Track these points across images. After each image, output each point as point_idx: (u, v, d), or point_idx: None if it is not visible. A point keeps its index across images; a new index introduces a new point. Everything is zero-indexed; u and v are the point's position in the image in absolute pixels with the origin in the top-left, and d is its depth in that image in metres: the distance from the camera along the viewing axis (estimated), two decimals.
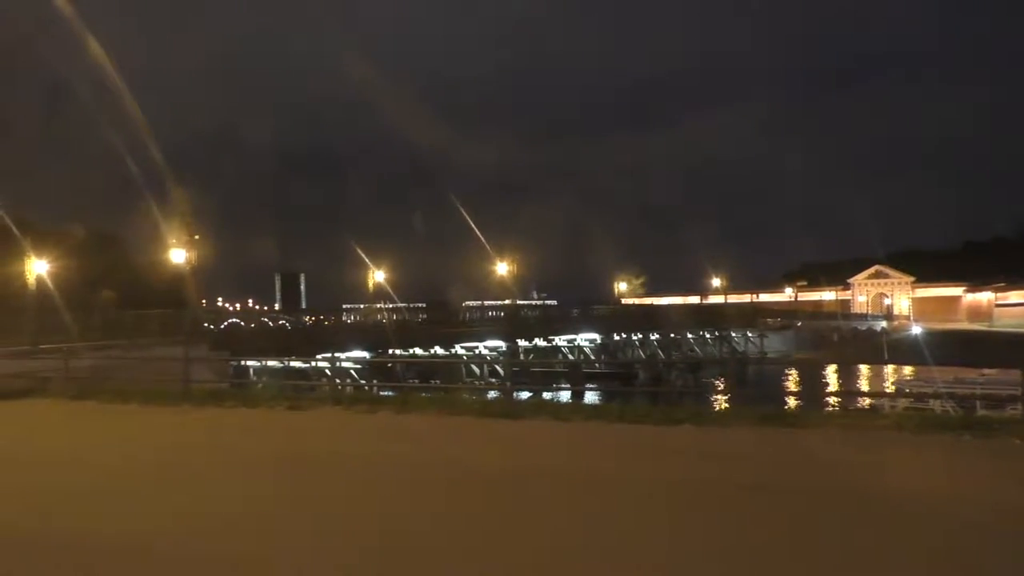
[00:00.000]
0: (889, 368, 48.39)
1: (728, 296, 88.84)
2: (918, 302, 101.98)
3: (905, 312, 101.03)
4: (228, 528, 5.00)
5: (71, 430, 10.17)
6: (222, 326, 42.74)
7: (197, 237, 48.49)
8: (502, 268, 62.58)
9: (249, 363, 34.29)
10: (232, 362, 29.79)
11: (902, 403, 20.92)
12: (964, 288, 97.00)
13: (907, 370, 45.02)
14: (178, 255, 47.88)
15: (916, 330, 75.39)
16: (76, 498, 6.01)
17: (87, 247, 49.16)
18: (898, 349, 64.11)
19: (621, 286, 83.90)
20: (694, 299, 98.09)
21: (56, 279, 37.32)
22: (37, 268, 38.02)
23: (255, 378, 31.04)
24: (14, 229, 37.59)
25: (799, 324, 76.24)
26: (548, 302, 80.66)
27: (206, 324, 39.82)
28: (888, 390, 37.24)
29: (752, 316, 74.39)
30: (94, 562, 4.41)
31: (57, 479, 6.82)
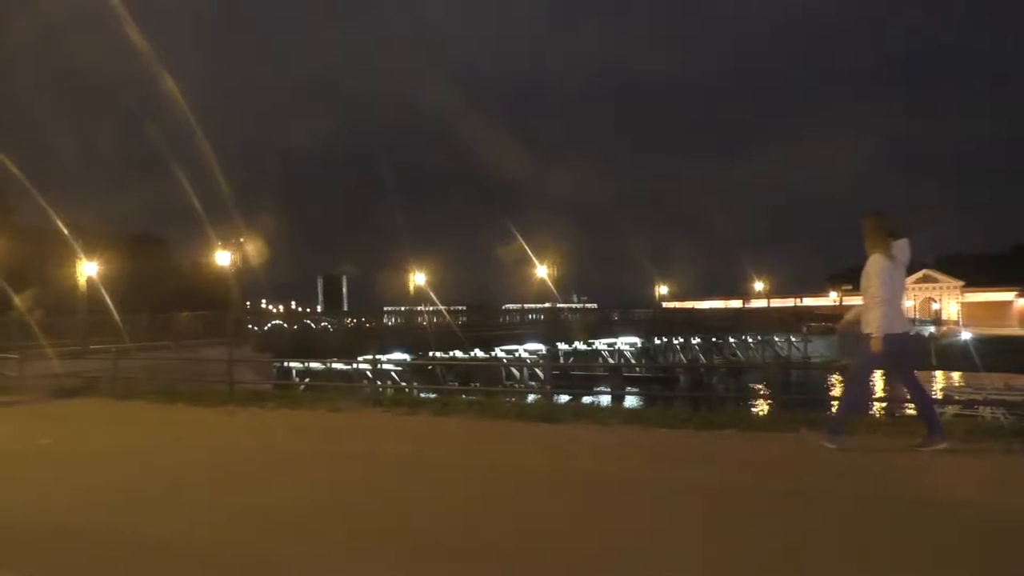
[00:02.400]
0: (937, 374, 47.37)
1: (771, 300, 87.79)
2: (968, 307, 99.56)
3: (954, 317, 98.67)
4: (273, 528, 5.06)
5: (120, 429, 10.38)
6: (265, 328, 43.34)
7: (243, 240, 49.27)
8: (542, 271, 62.54)
9: (292, 364, 34.74)
10: (275, 363, 30.17)
11: (951, 410, 20.44)
12: (1016, 292, 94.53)
13: (956, 376, 44.00)
14: (223, 257, 48.71)
15: (966, 335, 73.67)
16: (126, 497, 6.13)
17: (137, 249, 50.25)
18: (947, 355, 62.57)
19: (662, 289, 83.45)
20: (736, 303, 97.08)
21: (106, 281, 38.17)
22: (87, 270, 38.95)
23: (297, 379, 31.40)
24: (65, 232, 38.52)
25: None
26: (588, 305, 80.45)
27: (250, 326, 40.42)
28: (936, 396, 36.44)
29: (795, 320, 73.39)
30: (147, 561, 4.49)
31: (107, 478, 6.96)
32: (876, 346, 6.75)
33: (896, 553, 4.33)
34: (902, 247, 6.88)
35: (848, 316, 7.36)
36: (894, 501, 5.42)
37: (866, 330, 6.82)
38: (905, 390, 7.18)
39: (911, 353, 7.18)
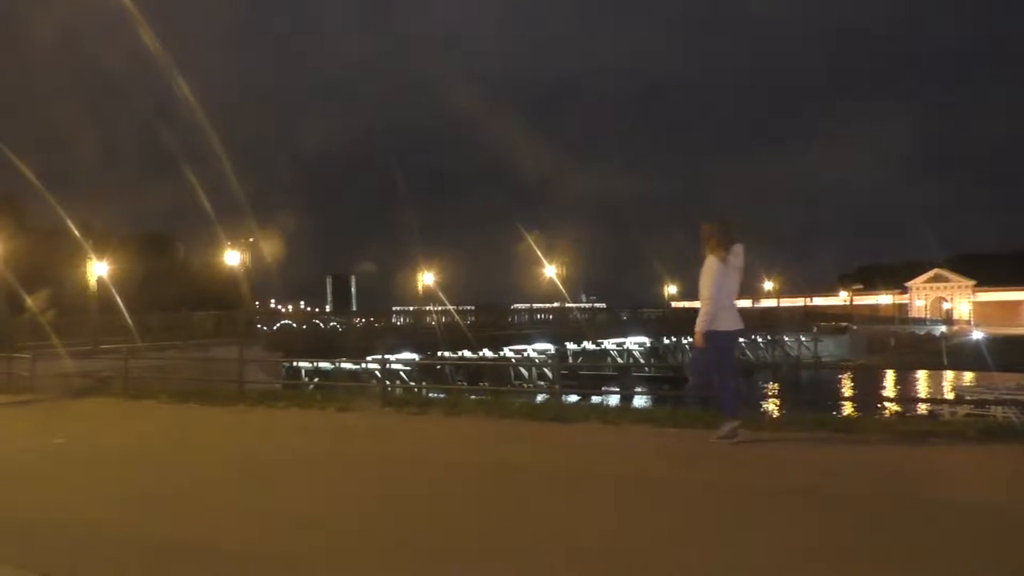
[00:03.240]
0: (949, 374, 47.15)
1: (781, 299, 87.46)
2: (979, 306, 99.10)
3: (965, 317, 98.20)
4: (289, 528, 5.07)
5: (132, 429, 10.43)
6: (275, 328, 43.49)
7: (253, 240, 49.43)
8: (551, 271, 62.48)
9: (301, 364, 34.83)
10: (284, 363, 30.25)
11: (962, 410, 20.35)
12: None
13: (967, 376, 43.80)
14: (233, 257, 48.88)
15: (977, 335, 73.39)
16: (140, 496, 6.15)
17: (147, 249, 50.47)
18: (958, 354, 62.36)
19: (671, 289, 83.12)
20: (745, 302, 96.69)
21: (117, 281, 38.31)
22: (98, 270, 39.16)
23: (306, 379, 31.48)
24: (77, 232, 38.69)
25: (854, 328, 74.71)
26: (597, 305, 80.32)
27: (260, 326, 40.57)
28: (948, 396, 36.26)
29: (805, 320, 73.16)
30: (162, 559, 4.51)
31: (120, 477, 7.01)
32: (698, 341, 7.41)
33: (905, 553, 4.32)
34: (737, 252, 7.46)
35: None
36: (907, 501, 5.39)
37: (705, 326, 7.38)
38: (716, 379, 7.78)
39: (734, 349, 7.87)
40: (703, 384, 8.00)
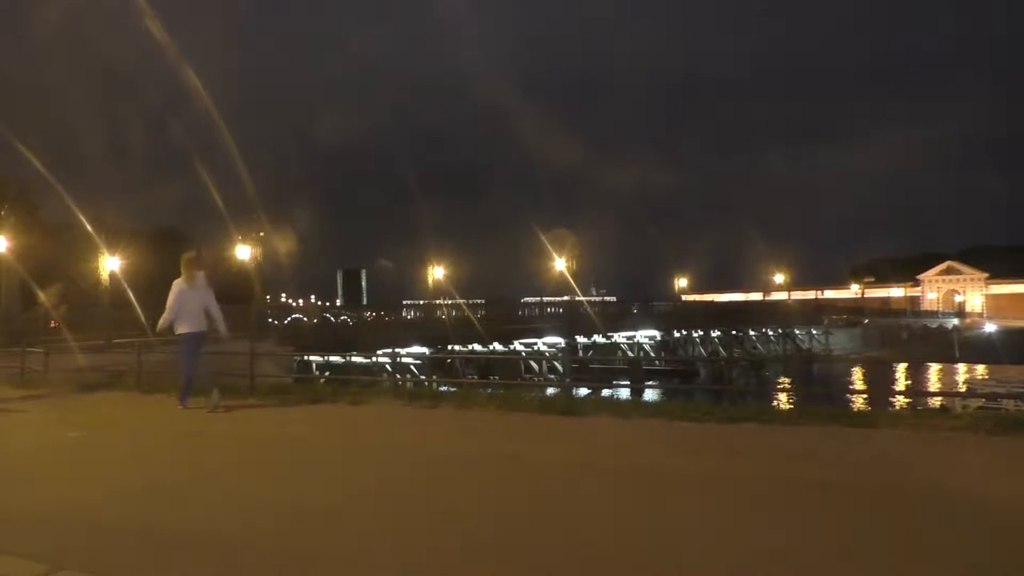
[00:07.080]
0: (961, 367, 46.90)
1: (792, 292, 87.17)
2: (992, 299, 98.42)
3: (978, 309, 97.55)
4: (304, 525, 5.09)
5: (146, 423, 10.47)
6: (286, 322, 43.54)
7: (264, 235, 49.56)
8: (561, 264, 62.43)
9: (312, 358, 34.86)
10: (295, 357, 30.27)
11: (974, 403, 20.22)
12: None
13: (980, 369, 43.56)
14: (244, 252, 49.01)
15: (990, 328, 72.97)
16: (154, 491, 6.18)
17: (159, 244, 50.65)
18: (970, 347, 62.09)
19: (682, 282, 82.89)
20: (756, 296, 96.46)
21: (129, 275, 38.49)
22: (111, 265, 39.35)
23: (317, 373, 31.53)
24: (89, 227, 38.84)
25: (866, 321, 74.41)
26: (608, 298, 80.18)
27: (271, 320, 40.63)
28: (960, 389, 36.08)
29: (817, 313, 72.90)
30: (176, 555, 4.53)
31: (135, 471, 7.05)
32: (159, 328, 10.62)
33: (916, 550, 4.30)
34: (200, 277, 10.49)
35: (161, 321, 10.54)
36: (919, 495, 5.37)
37: (162, 326, 10.52)
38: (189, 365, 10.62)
39: (197, 343, 10.56)
40: (192, 370, 10.69)
